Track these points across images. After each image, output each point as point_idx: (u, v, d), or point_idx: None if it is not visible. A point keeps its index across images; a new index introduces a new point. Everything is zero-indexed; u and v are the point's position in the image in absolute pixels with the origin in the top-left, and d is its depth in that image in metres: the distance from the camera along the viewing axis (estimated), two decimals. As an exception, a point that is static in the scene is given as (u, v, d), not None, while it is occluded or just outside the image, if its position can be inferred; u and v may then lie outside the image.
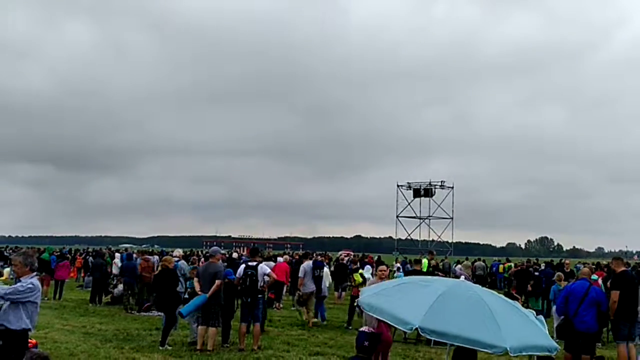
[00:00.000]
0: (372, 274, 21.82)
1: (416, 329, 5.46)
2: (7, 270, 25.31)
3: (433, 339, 6.24)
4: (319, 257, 32.48)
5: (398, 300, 6.19)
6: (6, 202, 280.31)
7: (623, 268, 11.17)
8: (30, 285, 6.31)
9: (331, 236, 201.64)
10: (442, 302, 5.86)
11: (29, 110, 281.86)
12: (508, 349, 5.35)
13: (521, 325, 6.03)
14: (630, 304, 10.46)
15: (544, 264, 28.82)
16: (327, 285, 17.04)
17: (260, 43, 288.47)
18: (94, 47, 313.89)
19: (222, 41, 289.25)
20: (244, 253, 33.79)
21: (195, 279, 11.68)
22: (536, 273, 20.35)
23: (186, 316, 11.44)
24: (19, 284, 6.35)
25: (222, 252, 20.34)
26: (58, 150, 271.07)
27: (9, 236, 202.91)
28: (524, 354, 5.71)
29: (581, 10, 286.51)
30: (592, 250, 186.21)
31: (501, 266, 32.66)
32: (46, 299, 20.26)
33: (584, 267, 13.79)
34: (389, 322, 6.15)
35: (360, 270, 17.71)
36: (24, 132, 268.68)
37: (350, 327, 15.06)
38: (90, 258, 30.36)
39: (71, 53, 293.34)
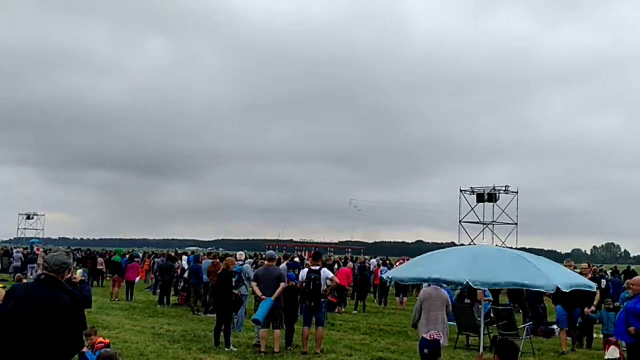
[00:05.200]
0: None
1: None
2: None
3: (484, 288, 6.68)
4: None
5: (436, 266, 6.63)
6: (79, 207, 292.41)
7: None
8: None
9: (392, 241, 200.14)
10: (480, 260, 6.39)
11: (102, 119, 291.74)
12: (559, 285, 5.82)
13: (558, 269, 6.66)
14: None
15: (609, 271, 27.88)
16: None
17: (324, 52, 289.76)
18: (167, 58, 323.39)
19: (288, 51, 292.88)
20: (306, 256, 34.01)
21: (254, 283, 11.76)
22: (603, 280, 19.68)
23: (263, 322, 11.29)
24: None
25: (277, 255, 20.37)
26: (128, 158, 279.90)
27: (81, 239, 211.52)
28: (574, 288, 6.27)
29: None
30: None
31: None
32: (117, 300, 21.06)
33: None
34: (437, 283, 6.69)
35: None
36: (97, 140, 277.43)
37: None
38: (159, 260, 31.20)
39: (144, 64, 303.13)
